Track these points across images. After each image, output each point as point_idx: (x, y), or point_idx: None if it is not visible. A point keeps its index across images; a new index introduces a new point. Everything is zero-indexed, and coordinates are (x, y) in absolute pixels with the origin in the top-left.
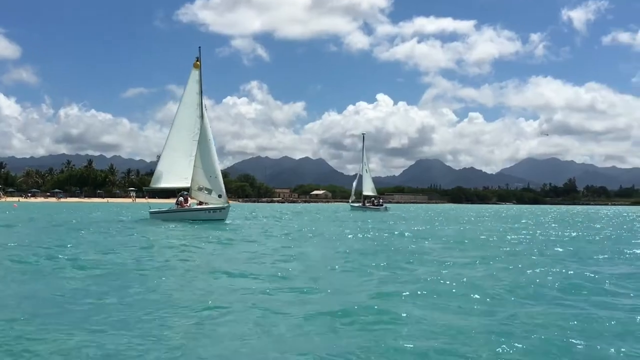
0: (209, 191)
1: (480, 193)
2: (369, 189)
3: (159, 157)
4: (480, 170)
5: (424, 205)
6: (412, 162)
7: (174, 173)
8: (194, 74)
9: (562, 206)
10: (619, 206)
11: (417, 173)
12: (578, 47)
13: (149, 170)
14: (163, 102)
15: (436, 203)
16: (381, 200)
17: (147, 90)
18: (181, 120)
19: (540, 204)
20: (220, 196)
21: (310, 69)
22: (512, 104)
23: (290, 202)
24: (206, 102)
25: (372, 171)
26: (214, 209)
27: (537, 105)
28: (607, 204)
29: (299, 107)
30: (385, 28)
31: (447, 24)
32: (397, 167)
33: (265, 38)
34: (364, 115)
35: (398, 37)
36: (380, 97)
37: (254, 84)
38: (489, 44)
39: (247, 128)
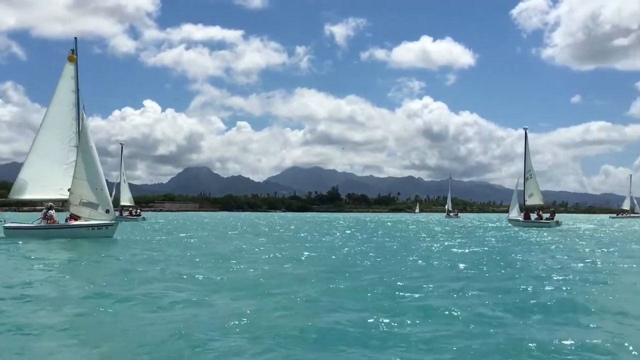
0: (95, 206)
1: (250, 201)
2: (126, 199)
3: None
4: (248, 178)
5: (202, 213)
6: (180, 170)
7: (44, 184)
8: (69, 68)
9: (330, 213)
10: (379, 213)
11: (185, 181)
12: (339, 61)
13: None
14: None
15: (207, 211)
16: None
17: None
18: (53, 122)
19: (308, 211)
20: (107, 211)
21: None
22: (279, 114)
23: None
24: None
25: (138, 179)
26: (99, 226)
27: (302, 116)
28: (368, 211)
29: None
30: (152, 33)
31: (216, 32)
32: (165, 174)
33: (21, 36)
34: (130, 122)
35: (165, 42)
36: (148, 103)
37: (9, 84)
38: (257, 54)
39: (1, 132)
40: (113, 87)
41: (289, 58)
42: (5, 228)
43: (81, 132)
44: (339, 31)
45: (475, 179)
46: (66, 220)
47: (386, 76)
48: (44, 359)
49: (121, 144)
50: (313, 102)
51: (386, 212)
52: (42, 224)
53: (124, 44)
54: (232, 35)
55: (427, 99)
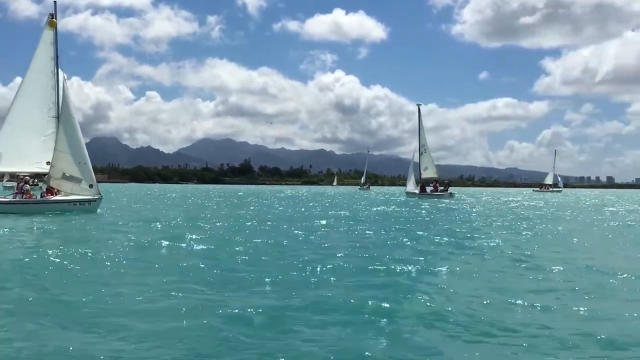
0: (78, 180)
1: (161, 172)
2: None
3: None
4: (158, 150)
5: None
6: (87, 140)
7: (20, 155)
8: (47, 34)
9: (243, 185)
10: (295, 186)
11: (92, 151)
12: (252, 32)
13: None
14: None
15: (117, 182)
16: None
17: None
18: (30, 91)
19: (221, 183)
20: (91, 186)
21: None
22: (189, 84)
23: None
24: None
25: None
26: (81, 201)
27: (213, 87)
28: (281, 184)
29: None
30: None
31: None
32: None
33: None
34: None
35: (70, 7)
36: None
37: None
38: (167, 22)
39: None
40: (14, 52)
41: (199, 27)
42: None
43: (62, 102)
44: (251, 1)
45: (386, 152)
46: (42, 195)
47: (298, 48)
48: None
49: None
50: (225, 73)
51: (299, 184)
52: (18, 198)
53: (26, 8)
54: (141, 2)
55: (339, 73)
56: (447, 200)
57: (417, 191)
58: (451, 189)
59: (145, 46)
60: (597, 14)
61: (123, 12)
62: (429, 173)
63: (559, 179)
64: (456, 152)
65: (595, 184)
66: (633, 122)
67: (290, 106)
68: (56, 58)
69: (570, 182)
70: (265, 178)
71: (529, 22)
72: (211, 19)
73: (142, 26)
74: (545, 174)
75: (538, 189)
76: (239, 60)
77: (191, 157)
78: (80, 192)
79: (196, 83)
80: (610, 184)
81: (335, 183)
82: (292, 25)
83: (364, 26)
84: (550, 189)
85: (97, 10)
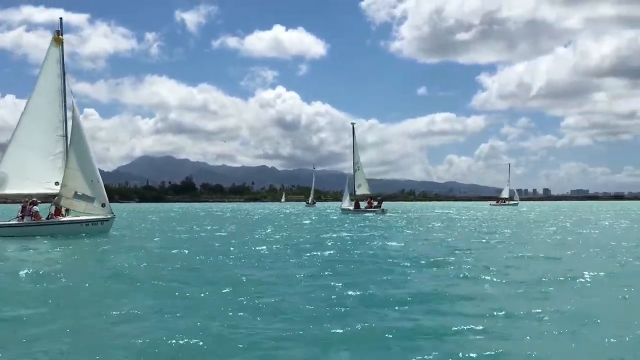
0: (91, 199)
1: None
2: None
3: None
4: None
5: None
6: None
7: (28, 176)
8: (54, 51)
9: (185, 204)
10: (235, 203)
11: None
12: (191, 49)
13: None
14: None
15: None
16: None
17: None
18: (37, 109)
19: (163, 201)
20: (104, 205)
21: None
22: (128, 101)
23: None
24: None
25: None
26: (94, 221)
27: (152, 104)
28: (224, 201)
29: None
30: None
31: (59, 15)
32: None
33: None
34: None
35: (4, 24)
36: None
37: None
38: (104, 39)
39: None
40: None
41: (138, 44)
42: None
43: (73, 120)
44: (190, 18)
45: (328, 168)
46: (49, 217)
47: (239, 65)
48: None
49: None
50: (164, 89)
51: (242, 201)
52: (26, 221)
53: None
54: (76, 18)
55: (279, 89)
56: (379, 215)
57: (351, 207)
58: (398, 203)
59: (82, 63)
60: (530, 31)
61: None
62: (362, 190)
63: (515, 192)
64: (397, 167)
65: (533, 197)
66: (566, 135)
67: (231, 123)
68: (63, 75)
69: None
70: (207, 195)
71: (465, 38)
72: (149, 35)
73: (79, 43)
74: (484, 187)
75: (495, 202)
76: (179, 77)
77: (131, 175)
78: (92, 212)
79: (135, 100)
80: (547, 196)
81: (283, 199)
82: (232, 42)
83: (303, 42)
84: (507, 203)
85: (31, 26)
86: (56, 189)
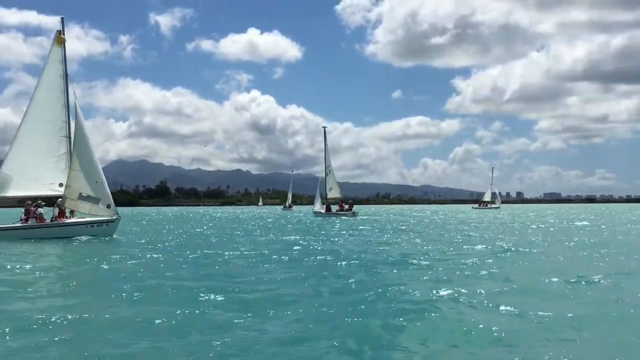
0: (96, 200)
1: None
2: None
3: None
4: None
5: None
6: None
7: (32, 178)
8: (56, 51)
9: (161, 207)
10: (210, 207)
11: None
12: (165, 52)
13: None
14: None
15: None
16: None
17: None
18: (40, 110)
19: (137, 205)
20: (109, 206)
21: None
22: (101, 105)
23: None
24: None
25: None
26: (99, 222)
27: (126, 107)
28: (199, 205)
29: None
30: None
31: (32, 17)
32: None
33: None
34: None
35: None
36: None
37: None
38: (76, 41)
39: None
40: None
41: (111, 47)
42: None
43: (76, 121)
44: (165, 21)
45: (303, 171)
46: (53, 219)
47: (213, 68)
48: None
49: None
50: (138, 93)
51: (218, 205)
52: (30, 223)
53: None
54: (49, 21)
55: (254, 92)
56: (350, 218)
57: (323, 210)
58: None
59: None
60: (504, 35)
61: (30, 31)
62: (333, 193)
63: (498, 195)
64: (372, 170)
65: (506, 200)
66: (540, 139)
67: (206, 126)
68: (65, 76)
69: (482, 198)
70: (182, 199)
71: (439, 42)
72: (123, 38)
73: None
74: (458, 191)
75: (477, 205)
76: (153, 81)
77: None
78: (97, 213)
79: (109, 103)
80: (521, 199)
81: (260, 203)
82: (207, 45)
83: (279, 46)
84: (489, 206)
85: (1, 29)
86: (60, 191)
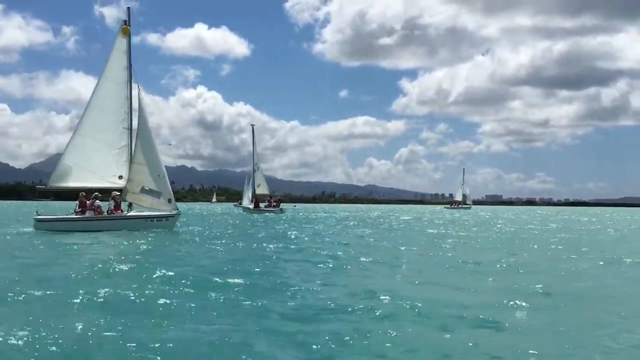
0: (157, 194)
1: (17, 189)
2: None
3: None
4: (8, 164)
5: None
6: None
7: (92, 169)
8: (121, 42)
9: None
10: None
11: None
12: (110, 44)
13: None
14: None
15: None
16: None
17: None
18: (103, 101)
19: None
20: (170, 201)
21: None
22: (42, 97)
23: None
24: None
25: None
26: (159, 217)
27: (68, 100)
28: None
29: None
30: None
31: None
32: None
33: None
34: None
35: None
36: None
37: None
38: (18, 31)
39: None
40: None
41: (54, 37)
42: (38, 221)
43: (139, 113)
44: (109, 13)
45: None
46: (108, 212)
47: (159, 63)
48: None
49: None
50: (80, 85)
51: None
52: (88, 215)
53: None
54: None
55: (201, 88)
56: (277, 215)
57: (251, 206)
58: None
59: None
60: (451, 38)
61: None
62: (261, 189)
63: (469, 196)
64: (318, 169)
65: (451, 201)
66: (483, 141)
67: (151, 122)
68: (129, 67)
69: (426, 199)
70: None
71: (387, 42)
72: (66, 29)
73: None
74: (403, 191)
75: (449, 206)
76: (96, 73)
77: (45, 173)
78: (158, 207)
79: (50, 95)
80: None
81: (214, 200)
82: (153, 39)
83: (227, 42)
84: (460, 206)
85: None
86: (119, 184)
